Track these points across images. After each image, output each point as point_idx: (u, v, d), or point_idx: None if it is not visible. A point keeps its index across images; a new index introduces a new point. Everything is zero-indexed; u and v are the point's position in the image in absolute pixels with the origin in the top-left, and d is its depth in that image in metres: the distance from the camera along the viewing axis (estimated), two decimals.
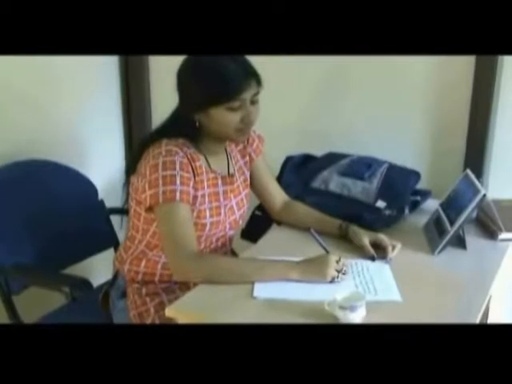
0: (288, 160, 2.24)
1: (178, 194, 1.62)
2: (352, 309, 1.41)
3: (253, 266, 1.62)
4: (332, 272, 1.58)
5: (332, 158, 2.23)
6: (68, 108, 2.45)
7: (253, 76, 1.67)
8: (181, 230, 1.63)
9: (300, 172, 2.21)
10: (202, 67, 1.67)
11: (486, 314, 1.94)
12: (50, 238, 2.06)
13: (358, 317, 1.42)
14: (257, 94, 1.69)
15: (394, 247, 1.75)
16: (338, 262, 1.60)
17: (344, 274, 1.60)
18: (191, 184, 1.67)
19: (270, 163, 2.01)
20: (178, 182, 1.63)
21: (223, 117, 1.66)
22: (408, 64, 2.26)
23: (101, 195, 2.29)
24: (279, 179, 2.15)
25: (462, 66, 2.17)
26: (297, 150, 2.31)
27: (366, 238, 1.77)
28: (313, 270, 1.59)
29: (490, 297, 1.76)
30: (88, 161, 2.52)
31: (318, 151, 2.29)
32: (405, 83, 2.30)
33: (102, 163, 2.60)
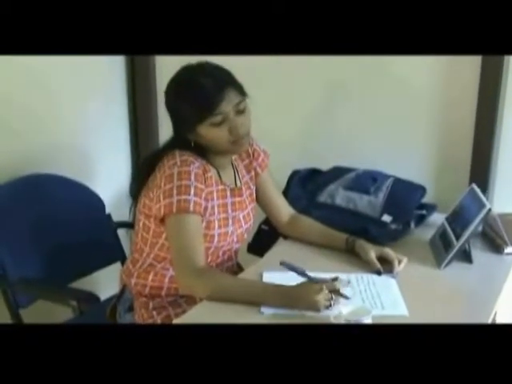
0: (294, 174, 2.24)
1: (191, 205, 1.63)
2: (358, 323, 1.41)
3: (255, 292, 1.58)
4: (323, 303, 1.50)
5: (338, 172, 2.23)
6: (75, 122, 2.46)
7: (230, 86, 1.67)
8: (190, 243, 1.63)
9: (306, 186, 2.21)
10: (180, 88, 1.70)
11: None
12: (57, 252, 2.06)
13: None
14: (239, 103, 1.67)
15: (400, 261, 1.75)
16: (321, 288, 1.51)
17: (337, 297, 1.53)
18: (203, 195, 1.68)
19: (274, 177, 2.02)
20: (192, 192, 1.63)
21: (210, 133, 1.67)
22: (412, 78, 2.28)
23: (108, 209, 2.30)
24: (285, 193, 2.16)
25: (467, 79, 2.17)
26: (301, 163, 2.31)
27: (372, 253, 1.77)
28: (302, 304, 1.52)
29: (496, 311, 1.76)
30: (95, 175, 2.53)
31: (323, 165, 2.30)
32: (409, 97, 2.31)
33: (109, 177, 2.61)
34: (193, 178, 1.65)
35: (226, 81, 1.67)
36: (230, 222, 1.79)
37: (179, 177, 1.64)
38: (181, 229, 1.64)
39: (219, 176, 1.78)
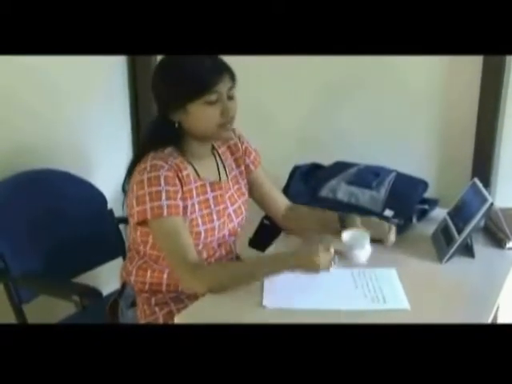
0: (296, 169, 2.24)
1: (165, 209, 1.63)
2: (360, 246, 1.53)
3: (248, 269, 1.65)
4: (323, 263, 1.56)
5: (340, 167, 2.23)
6: (78, 119, 2.47)
7: (225, 70, 1.69)
8: (176, 244, 1.64)
9: (308, 181, 2.21)
10: (176, 66, 1.70)
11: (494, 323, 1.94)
12: (59, 248, 2.07)
13: (365, 254, 1.57)
14: (231, 88, 1.70)
15: (390, 228, 1.77)
16: (328, 250, 1.57)
17: (334, 262, 1.58)
18: (179, 196, 1.68)
19: (274, 172, 2.02)
20: (163, 197, 1.64)
21: (202, 112, 1.67)
22: (415, 72, 2.28)
23: (110, 205, 2.30)
24: (287, 188, 2.16)
25: (469, 74, 2.17)
26: (302, 159, 2.31)
27: (359, 222, 1.80)
28: (304, 263, 1.58)
29: (498, 306, 1.76)
30: (97, 170, 2.54)
31: (325, 160, 2.30)
32: (412, 92, 2.31)
33: (111, 172, 2.60)
34: (162, 182, 1.64)
35: (223, 64, 1.70)
36: (215, 216, 1.78)
37: (149, 183, 1.64)
38: (162, 233, 1.66)
39: (196, 172, 1.77)
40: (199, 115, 1.68)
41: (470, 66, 2.15)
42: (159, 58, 2.58)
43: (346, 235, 1.58)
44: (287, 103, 2.50)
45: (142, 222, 1.67)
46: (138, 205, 1.65)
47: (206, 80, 1.65)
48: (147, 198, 1.63)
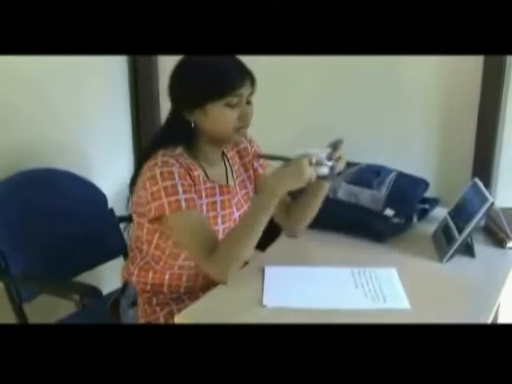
0: None
1: (183, 203, 1.62)
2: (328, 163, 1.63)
3: (248, 220, 1.64)
4: (307, 175, 1.58)
5: None
6: (77, 117, 2.47)
7: (248, 75, 1.68)
8: (199, 236, 1.63)
9: None
10: (200, 65, 1.67)
11: (494, 323, 1.94)
12: (60, 247, 2.07)
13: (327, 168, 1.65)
14: (251, 93, 1.70)
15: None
16: (311, 162, 1.59)
17: (318, 164, 1.61)
18: (193, 190, 1.67)
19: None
20: (180, 190, 1.62)
21: (221, 114, 1.66)
22: (415, 72, 2.27)
23: (110, 204, 2.30)
24: None
25: (470, 72, 2.17)
26: None
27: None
28: (290, 180, 1.59)
29: (499, 305, 1.76)
30: (98, 169, 2.54)
31: None
32: (412, 91, 2.31)
33: (112, 172, 2.62)
34: (176, 176, 1.63)
35: (246, 69, 1.69)
36: (220, 220, 1.77)
37: (162, 177, 1.62)
38: (183, 227, 1.64)
39: (206, 174, 1.76)
40: (218, 116, 1.67)
41: (471, 65, 2.15)
42: (160, 58, 2.64)
43: (314, 150, 1.63)
44: (287, 103, 2.50)
45: (156, 219, 1.66)
46: (154, 200, 1.63)
47: (230, 81, 1.64)
48: (163, 193, 1.62)
